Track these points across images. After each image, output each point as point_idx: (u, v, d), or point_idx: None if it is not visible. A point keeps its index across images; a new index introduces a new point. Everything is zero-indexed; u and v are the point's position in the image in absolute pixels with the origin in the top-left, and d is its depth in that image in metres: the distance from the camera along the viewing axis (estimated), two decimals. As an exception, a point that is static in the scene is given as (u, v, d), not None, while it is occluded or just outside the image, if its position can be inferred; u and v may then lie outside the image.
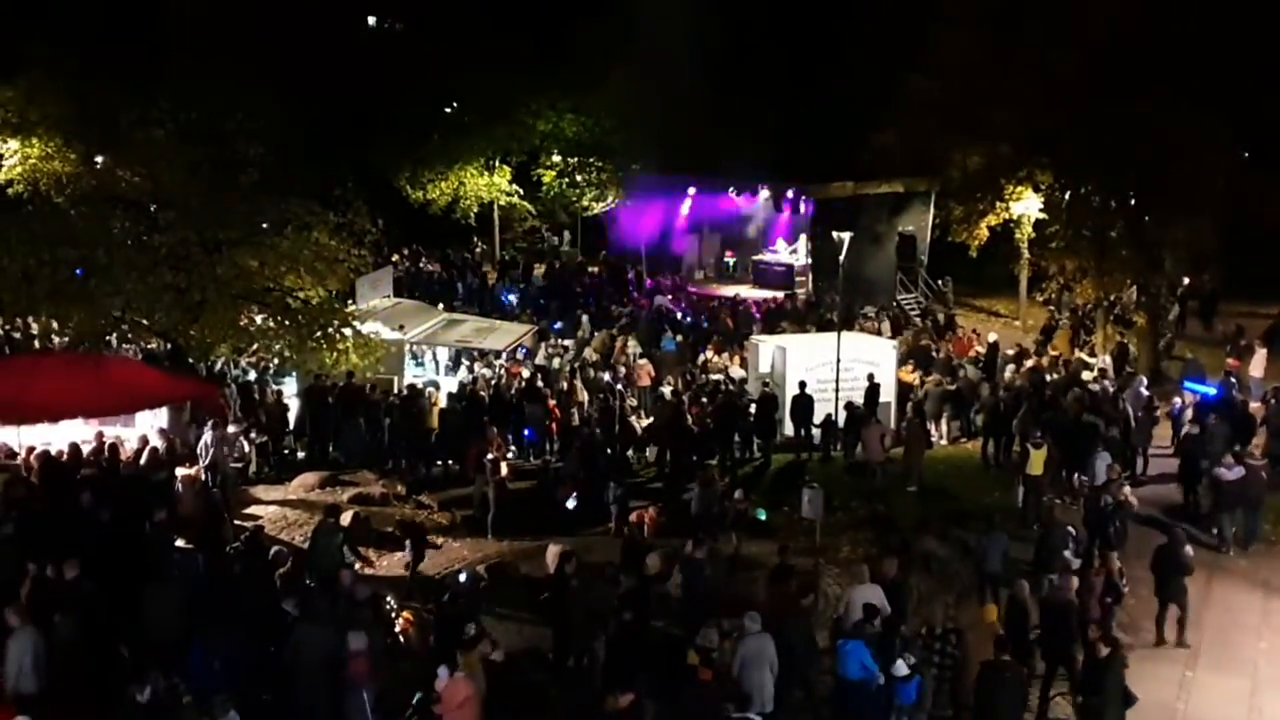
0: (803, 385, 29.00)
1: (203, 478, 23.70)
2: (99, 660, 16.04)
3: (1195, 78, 30.47)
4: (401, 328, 31.09)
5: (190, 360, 27.47)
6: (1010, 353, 35.27)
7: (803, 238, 46.92)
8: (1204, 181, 31.14)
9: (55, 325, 27.73)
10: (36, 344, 29.89)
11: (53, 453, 22.71)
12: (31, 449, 23.14)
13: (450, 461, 28.24)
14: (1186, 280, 38.24)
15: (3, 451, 23.84)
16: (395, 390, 30.07)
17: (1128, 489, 22.79)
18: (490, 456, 25.17)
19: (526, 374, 31.66)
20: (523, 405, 29.40)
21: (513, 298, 43.30)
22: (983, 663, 16.65)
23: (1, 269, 25.09)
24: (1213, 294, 40.62)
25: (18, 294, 25.55)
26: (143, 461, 23.12)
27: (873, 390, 29.38)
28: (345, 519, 23.30)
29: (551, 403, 30.05)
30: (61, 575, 16.79)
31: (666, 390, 31.38)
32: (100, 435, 23.71)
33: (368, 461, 27.90)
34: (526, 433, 29.48)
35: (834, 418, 29.25)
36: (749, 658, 16.10)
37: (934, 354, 35.90)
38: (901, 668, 15.77)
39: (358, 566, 20.12)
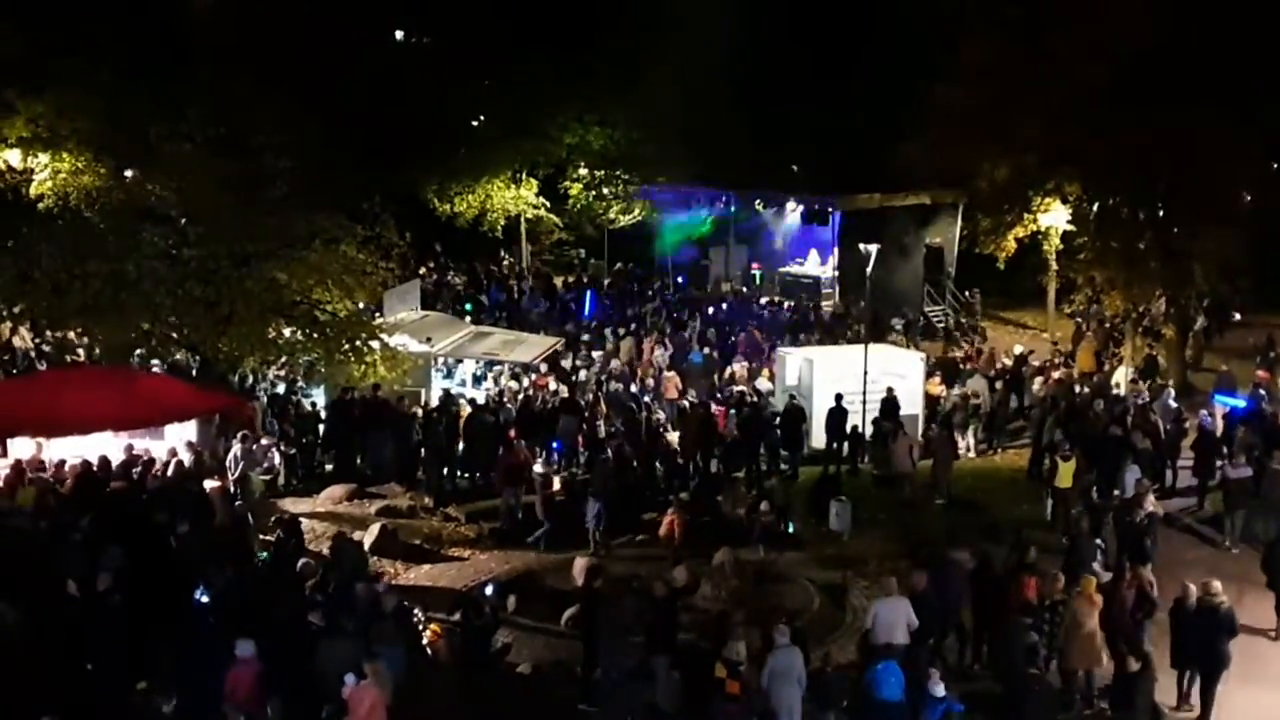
0: (839, 398, 28.88)
1: (231, 490, 23.77)
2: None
3: (1223, 87, 30.32)
4: (429, 340, 31.13)
5: (225, 375, 27.62)
6: (1036, 364, 35.11)
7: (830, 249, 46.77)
8: (1232, 192, 30.96)
9: (79, 338, 27.85)
10: (71, 357, 30.09)
11: (93, 465, 22.74)
12: (62, 462, 23.27)
13: (476, 474, 28.25)
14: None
15: (33, 464, 23.96)
16: (423, 402, 30.11)
17: (1151, 497, 22.63)
18: (540, 471, 25.31)
19: (554, 386, 31.64)
20: (558, 417, 29.40)
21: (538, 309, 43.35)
22: (1009, 675, 16.61)
23: (33, 282, 25.33)
24: (1223, 304, 40.30)
25: (49, 307, 25.76)
26: (169, 474, 23.20)
27: (889, 403, 29.29)
28: (373, 532, 23.46)
29: (579, 415, 29.98)
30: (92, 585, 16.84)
31: (686, 402, 31.23)
32: (130, 448, 23.77)
33: (395, 474, 27.98)
34: (555, 445, 29.46)
35: (860, 430, 29.18)
36: (778, 671, 15.98)
37: (961, 366, 35.79)
38: (940, 689, 15.60)
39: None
